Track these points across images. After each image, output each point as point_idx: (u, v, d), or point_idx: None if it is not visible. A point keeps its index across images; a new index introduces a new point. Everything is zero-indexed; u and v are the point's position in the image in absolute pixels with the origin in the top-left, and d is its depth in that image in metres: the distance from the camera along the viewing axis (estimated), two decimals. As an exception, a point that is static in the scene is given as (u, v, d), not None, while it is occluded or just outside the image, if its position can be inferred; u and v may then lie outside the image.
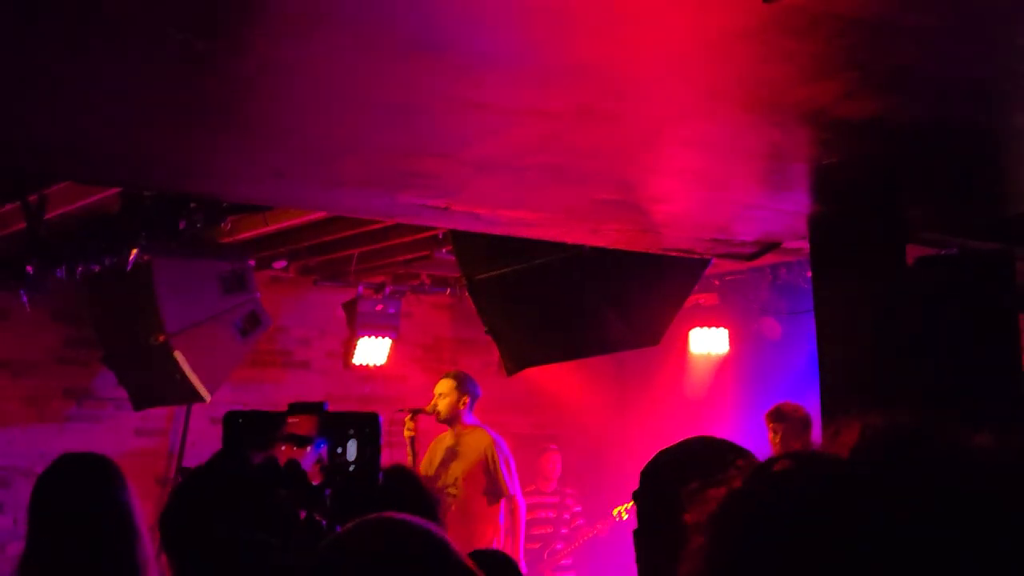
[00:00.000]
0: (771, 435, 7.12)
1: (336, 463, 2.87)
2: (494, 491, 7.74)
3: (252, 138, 4.03)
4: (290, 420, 2.92)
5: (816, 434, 5.60)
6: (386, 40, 3.08)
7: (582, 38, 3.12)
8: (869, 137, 4.07)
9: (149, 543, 3.68)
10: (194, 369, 7.59)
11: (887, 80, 3.50)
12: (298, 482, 2.82)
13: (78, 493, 3.62)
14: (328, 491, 2.87)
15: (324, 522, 2.82)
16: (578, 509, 9.62)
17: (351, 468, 2.88)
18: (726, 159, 4.41)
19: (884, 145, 4.20)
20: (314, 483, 2.86)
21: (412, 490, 3.54)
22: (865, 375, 5.01)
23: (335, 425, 2.89)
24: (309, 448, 2.86)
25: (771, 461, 1.09)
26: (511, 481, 7.79)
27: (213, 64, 3.24)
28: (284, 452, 2.88)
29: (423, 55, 3.19)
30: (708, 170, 4.58)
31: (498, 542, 7.72)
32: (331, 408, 3.03)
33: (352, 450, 2.87)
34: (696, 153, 4.35)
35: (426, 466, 7.82)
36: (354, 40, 3.09)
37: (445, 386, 7.94)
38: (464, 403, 7.89)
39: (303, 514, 2.83)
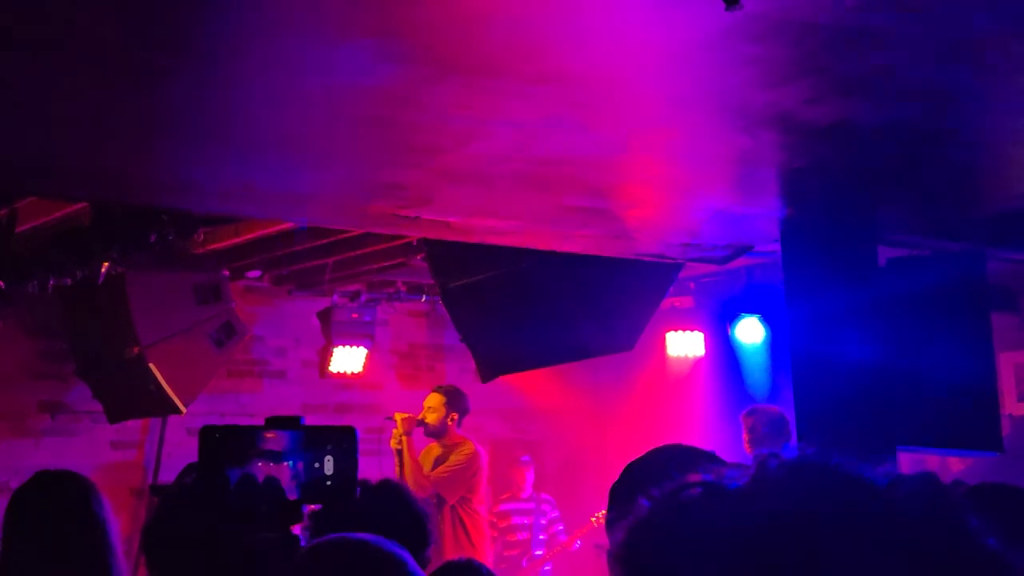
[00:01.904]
0: (746, 436, 7.12)
1: (313, 478, 2.87)
2: (468, 497, 7.78)
3: (220, 152, 4.03)
4: (267, 435, 2.92)
5: (793, 436, 5.61)
6: (355, 54, 3.09)
7: (549, 51, 3.14)
8: (836, 140, 4.09)
9: (124, 560, 3.66)
10: (169, 381, 7.55)
11: (850, 84, 3.52)
12: (276, 498, 2.81)
13: (54, 510, 3.60)
14: (306, 507, 2.87)
15: (303, 539, 2.82)
16: (555, 515, 9.61)
17: (328, 483, 2.87)
18: (696, 165, 4.43)
19: (852, 148, 4.22)
20: (291, 498, 2.85)
21: (399, 505, 3.53)
22: (839, 376, 5.03)
23: (312, 440, 2.88)
24: (286, 464, 2.85)
25: (680, 487, 1.08)
26: (477, 491, 7.85)
27: (179, 79, 3.24)
28: (261, 468, 2.87)
29: (392, 69, 3.20)
30: (678, 176, 4.60)
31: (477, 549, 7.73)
32: (308, 419, 3.03)
33: (329, 465, 2.86)
34: (665, 160, 4.37)
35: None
36: (326, 52, 3.09)
37: (435, 400, 7.91)
38: (453, 419, 7.88)
39: (280, 530, 2.83)
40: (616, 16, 2.94)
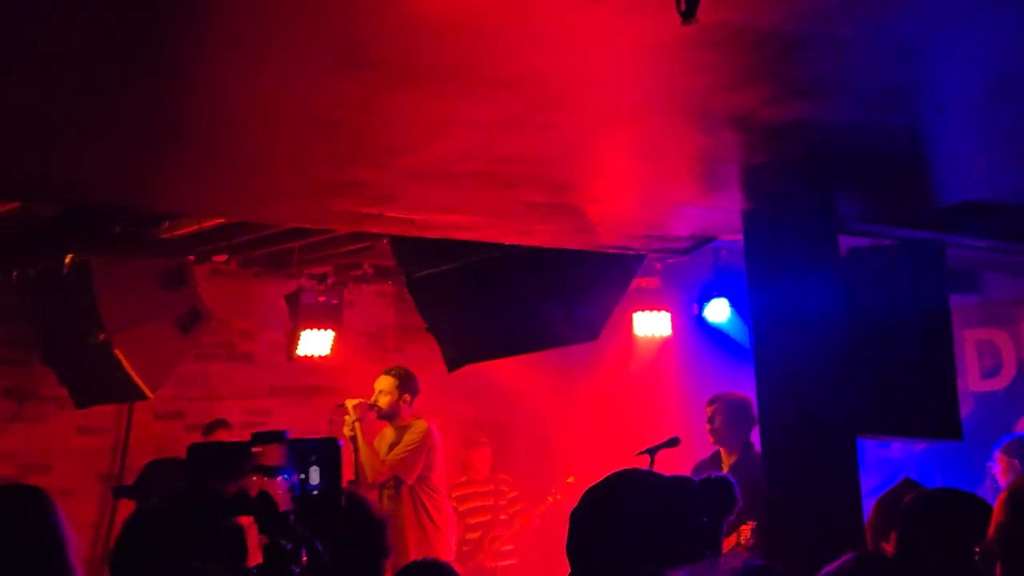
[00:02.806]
0: (707, 426, 7.06)
1: (302, 489, 2.93)
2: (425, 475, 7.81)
3: (183, 152, 4.02)
4: (254, 450, 2.96)
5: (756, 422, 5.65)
6: (318, 58, 3.10)
7: (508, 54, 3.16)
8: (795, 138, 4.13)
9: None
10: (135, 367, 7.53)
11: (806, 86, 3.56)
12: (270, 512, 2.87)
13: (10, 527, 3.55)
14: (292, 517, 2.93)
15: (289, 545, 2.86)
16: (515, 494, 9.63)
17: (315, 493, 2.92)
18: (657, 163, 4.46)
19: (810, 145, 4.26)
20: (281, 509, 2.92)
21: (356, 514, 3.56)
22: (800, 364, 5.08)
23: (298, 452, 2.93)
24: (280, 478, 2.90)
25: None
26: (435, 468, 7.88)
27: (142, 83, 3.24)
28: (255, 483, 2.91)
29: (354, 72, 3.21)
30: (640, 174, 4.63)
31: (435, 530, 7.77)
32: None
33: (315, 476, 2.92)
34: (627, 159, 4.39)
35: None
36: (286, 58, 3.10)
37: (385, 383, 7.91)
38: (405, 399, 7.88)
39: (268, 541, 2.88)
40: (574, 25, 2.96)
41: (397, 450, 7.77)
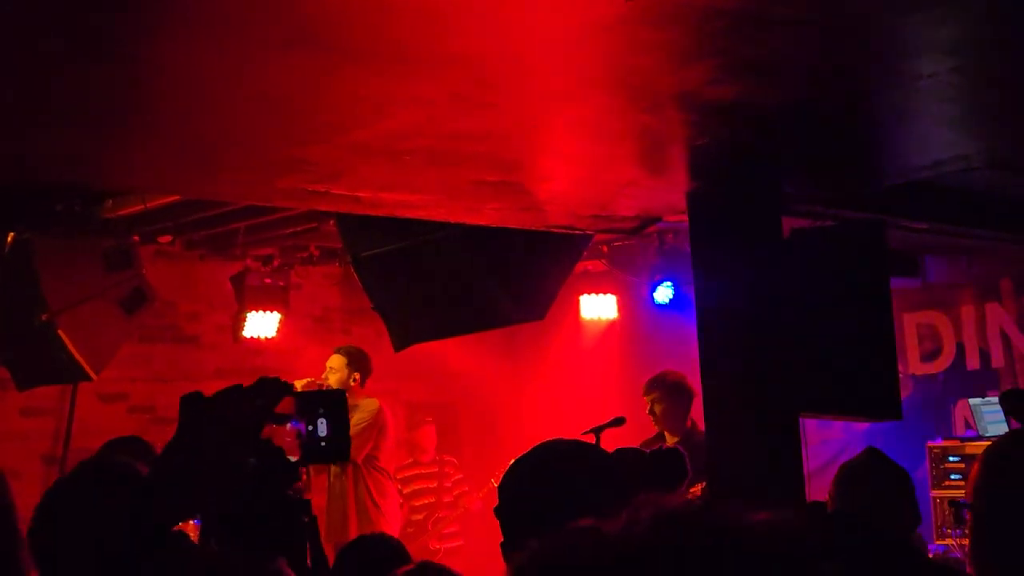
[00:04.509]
0: (650, 413, 7.10)
1: (309, 440, 2.97)
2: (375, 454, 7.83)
3: (128, 129, 4.00)
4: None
5: (698, 404, 5.71)
6: (263, 35, 3.09)
7: (452, 32, 3.16)
8: (738, 118, 4.17)
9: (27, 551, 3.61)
10: (79, 347, 7.48)
11: (749, 65, 3.60)
12: (276, 459, 2.91)
13: None
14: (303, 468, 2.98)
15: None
16: (459, 477, 9.66)
17: (323, 444, 2.95)
18: (603, 142, 4.48)
19: (754, 125, 4.30)
20: (293, 459, 2.97)
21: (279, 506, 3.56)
22: (743, 344, 5.14)
23: (306, 404, 2.97)
24: (289, 425, 2.95)
25: (568, 533, 1.14)
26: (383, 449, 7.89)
27: (86, 59, 3.21)
28: (264, 432, 2.97)
29: (298, 50, 3.21)
30: (586, 152, 4.65)
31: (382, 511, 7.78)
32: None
33: (323, 427, 2.95)
34: (573, 137, 4.41)
35: None
36: (231, 35, 3.09)
37: (336, 361, 7.93)
38: (355, 379, 7.88)
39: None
40: (517, 1, 2.97)
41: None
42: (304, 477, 2.96)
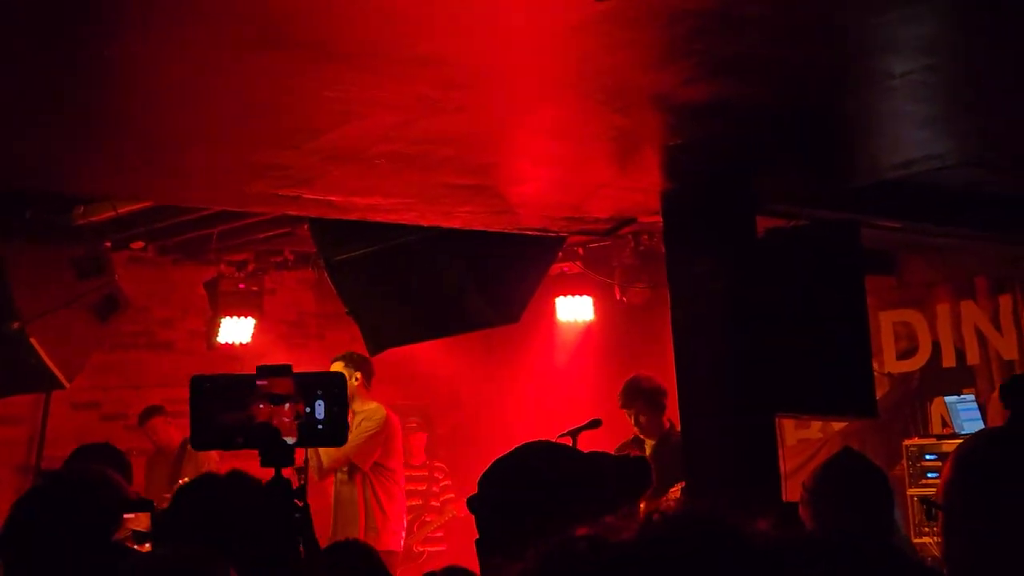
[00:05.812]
0: (636, 424, 7.08)
1: (307, 422, 2.90)
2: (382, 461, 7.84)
3: (98, 133, 3.95)
4: (259, 383, 2.97)
5: (673, 406, 5.69)
6: (232, 38, 3.06)
7: (422, 34, 3.14)
8: (712, 119, 4.15)
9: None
10: (51, 356, 7.42)
11: (723, 66, 3.58)
12: (273, 441, 2.91)
13: None
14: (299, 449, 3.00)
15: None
16: (447, 482, 9.66)
17: (320, 427, 2.93)
18: (577, 143, 4.46)
19: (728, 125, 4.28)
20: (289, 441, 2.93)
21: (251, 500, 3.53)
22: (719, 344, 5.12)
23: (304, 386, 2.92)
24: (287, 405, 2.94)
25: (567, 541, 1.11)
26: (391, 456, 7.89)
27: (55, 62, 3.17)
28: (262, 410, 2.92)
29: (268, 52, 3.18)
30: (560, 154, 4.63)
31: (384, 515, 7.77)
32: None
33: (320, 409, 2.92)
34: (546, 139, 4.39)
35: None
36: (200, 38, 3.06)
37: (335, 367, 7.88)
38: (357, 378, 7.82)
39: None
40: (488, 1, 2.95)
41: (353, 436, 7.73)
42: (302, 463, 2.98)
